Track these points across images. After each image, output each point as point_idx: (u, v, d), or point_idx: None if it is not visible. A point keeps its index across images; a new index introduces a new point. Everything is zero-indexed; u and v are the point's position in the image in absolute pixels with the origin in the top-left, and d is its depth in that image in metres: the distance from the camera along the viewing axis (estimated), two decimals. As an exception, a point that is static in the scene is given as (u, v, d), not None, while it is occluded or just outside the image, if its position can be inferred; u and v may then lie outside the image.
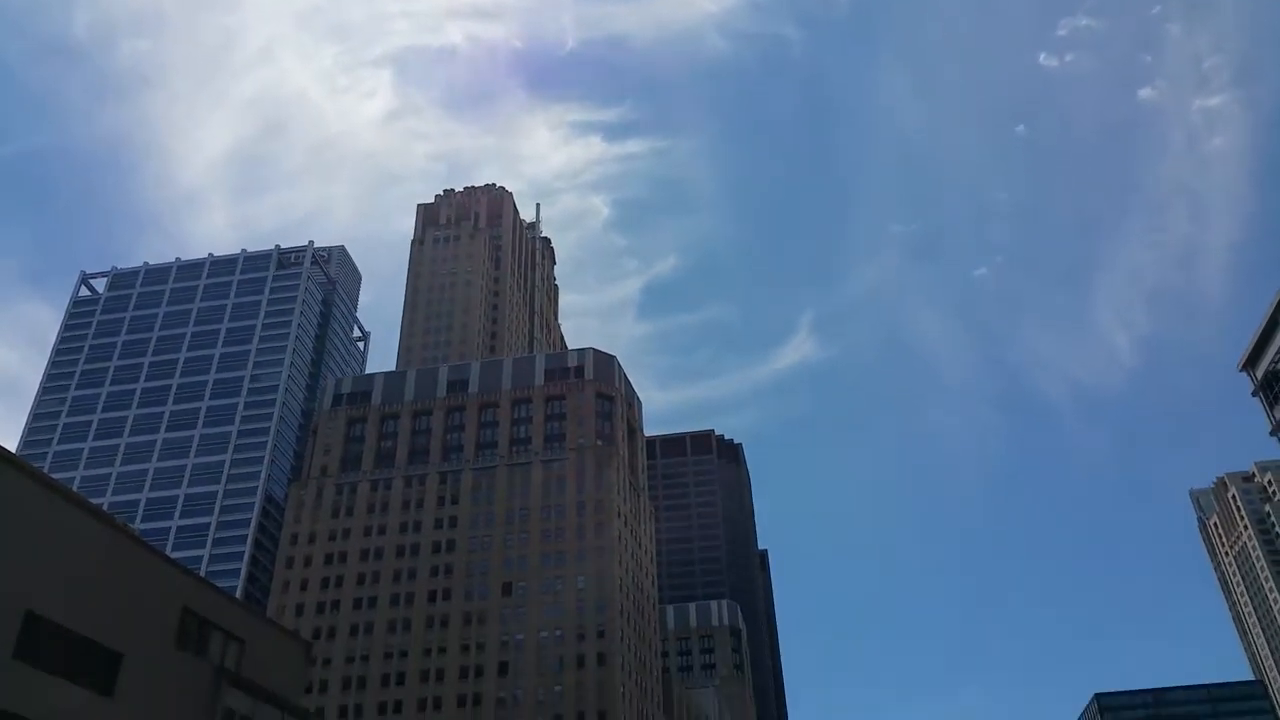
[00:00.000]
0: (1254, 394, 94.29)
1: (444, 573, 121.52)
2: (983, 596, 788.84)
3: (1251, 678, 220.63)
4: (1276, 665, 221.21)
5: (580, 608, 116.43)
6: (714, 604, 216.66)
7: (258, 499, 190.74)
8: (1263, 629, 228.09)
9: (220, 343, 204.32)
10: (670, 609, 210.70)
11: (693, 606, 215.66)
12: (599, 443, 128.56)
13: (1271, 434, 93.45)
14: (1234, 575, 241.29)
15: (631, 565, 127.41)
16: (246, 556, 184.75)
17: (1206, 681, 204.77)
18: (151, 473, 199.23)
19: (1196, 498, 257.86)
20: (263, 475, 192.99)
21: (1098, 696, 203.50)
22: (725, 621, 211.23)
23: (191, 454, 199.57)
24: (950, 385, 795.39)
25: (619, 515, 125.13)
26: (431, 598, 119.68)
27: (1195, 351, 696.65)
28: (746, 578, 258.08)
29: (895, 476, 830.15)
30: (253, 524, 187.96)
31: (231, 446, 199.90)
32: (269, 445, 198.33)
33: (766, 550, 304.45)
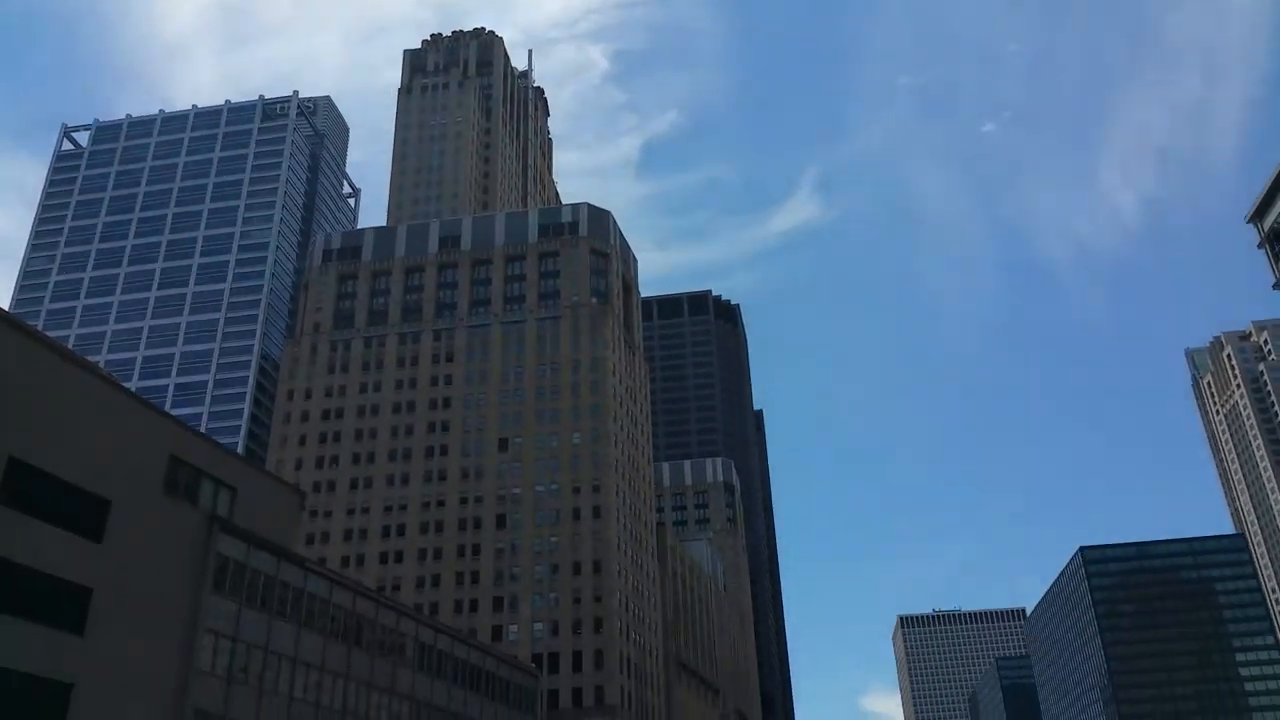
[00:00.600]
0: (1259, 246, 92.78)
1: (441, 429, 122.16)
2: (974, 455, 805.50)
3: (1234, 532, 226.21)
4: (1259, 520, 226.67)
5: (575, 463, 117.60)
6: (709, 461, 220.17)
7: (254, 357, 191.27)
8: (1247, 485, 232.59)
9: (208, 198, 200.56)
10: (666, 465, 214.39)
11: (688, 463, 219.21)
12: (594, 300, 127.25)
13: (1275, 287, 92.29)
14: (1223, 433, 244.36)
15: (626, 422, 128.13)
16: (246, 414, 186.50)
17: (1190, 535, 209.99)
18: (146, 330, 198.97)
19: (1192, 356, 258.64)
20: (258, 333, 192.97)
21: (1082, 549, 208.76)
22: (719, 478, 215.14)
23: (185, 312, 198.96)
24: (952, 246, 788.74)
25: (614, 373, 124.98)
26: (429, 453, 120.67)
27: (1201, 211, 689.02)
28: (741, 437, 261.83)
29: (893, 338, 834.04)
30: (250, 381, 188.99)
31: (225, 304, 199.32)
32: (262, 303, 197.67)
33: (762, 410, 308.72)
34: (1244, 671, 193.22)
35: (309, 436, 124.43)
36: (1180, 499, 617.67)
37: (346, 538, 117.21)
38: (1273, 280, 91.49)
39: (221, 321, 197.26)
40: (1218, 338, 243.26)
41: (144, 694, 42.20)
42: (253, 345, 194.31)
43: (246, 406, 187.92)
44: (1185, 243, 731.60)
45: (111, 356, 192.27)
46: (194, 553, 47.03)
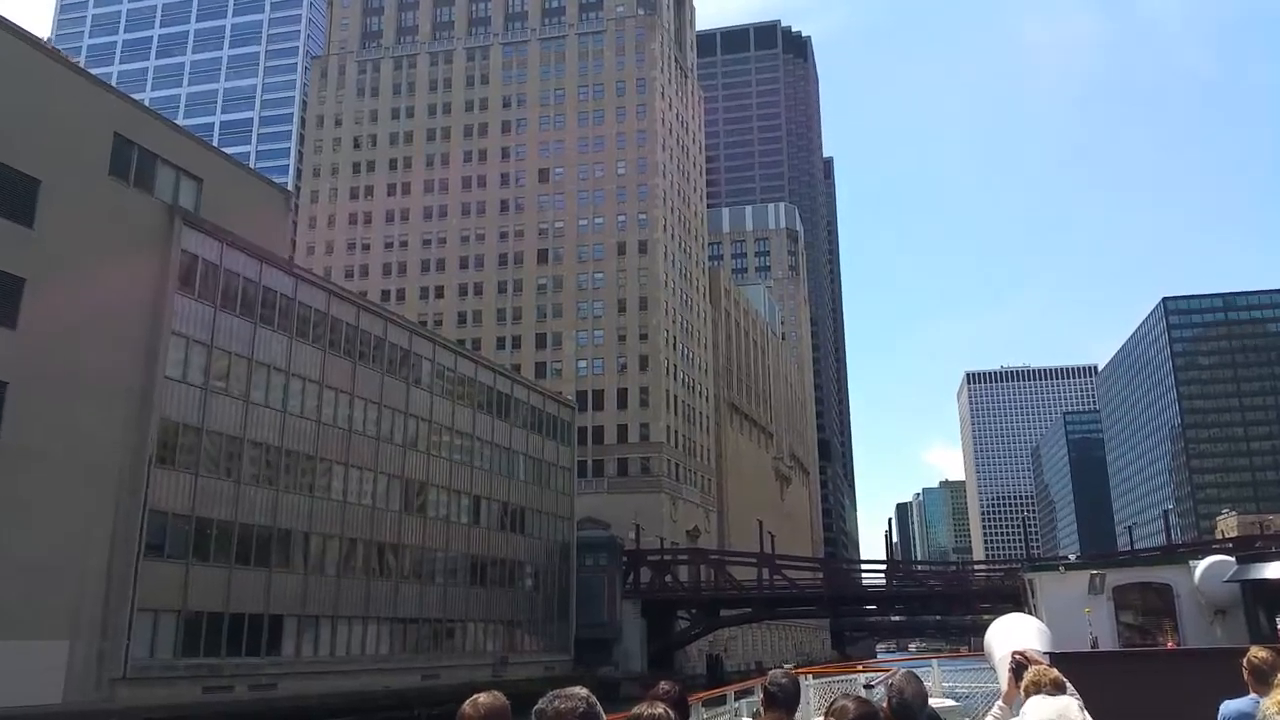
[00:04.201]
0: None
1: (478, 159, 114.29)
2: (1061, 202, 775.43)
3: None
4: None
5: (621, 195, 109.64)
6: (771, 206, 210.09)
7: (296, 92, 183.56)
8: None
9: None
10: (726, 210, 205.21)
11: (749, 208, 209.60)
12: (641, 11, 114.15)
13: None
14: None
15: (677, 151, 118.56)
16: (293, 152, 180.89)
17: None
18: (188, 66, 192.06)
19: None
20: (299, 67, 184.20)
21: (1165, 300, 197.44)
22: (782, 224, 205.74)
23: (225, 45, 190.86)
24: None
25: (663, 96, 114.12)
26: (466, 185, 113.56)
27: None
28: (808, 183, 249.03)
29: (980, 87, 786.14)
30: (295, 118, 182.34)
31: (264, 37, 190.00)
32: (302, 34, 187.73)
33: (832, 157, 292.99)
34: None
35: (341, 167, 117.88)
36: (1276, 255, 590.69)
37: (386, 272, 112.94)
38: None
39: (262, 55, 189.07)
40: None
41: (101, 398, 37.84)
42: (295, 80, 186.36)
43: (293, 145, 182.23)
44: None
45: (155, 94, 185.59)
46: (154, 247, 41.38)
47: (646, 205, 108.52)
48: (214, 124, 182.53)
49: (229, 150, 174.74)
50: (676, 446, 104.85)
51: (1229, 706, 5.98)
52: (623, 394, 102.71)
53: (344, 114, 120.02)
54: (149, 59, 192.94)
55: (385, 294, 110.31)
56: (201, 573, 40.53)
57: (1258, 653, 6.06)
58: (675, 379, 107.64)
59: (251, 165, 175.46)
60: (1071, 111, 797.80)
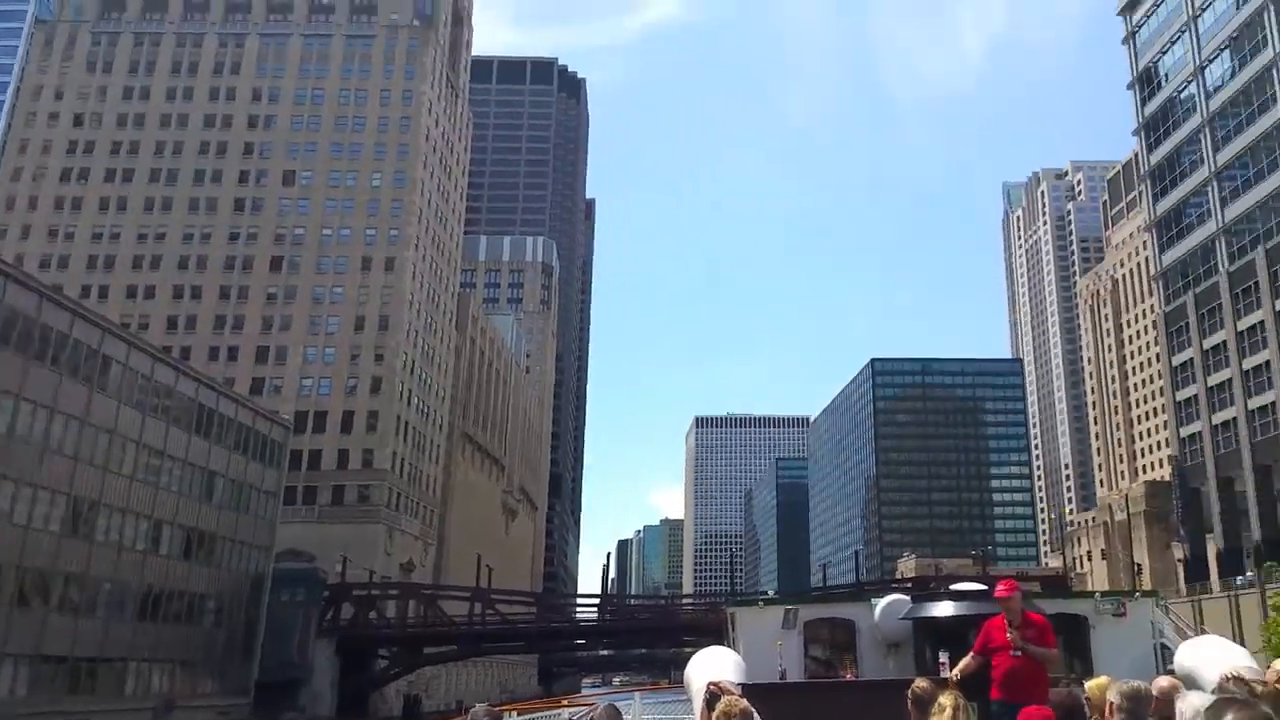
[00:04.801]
0: (1129, 87, 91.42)
1: (215, 152, 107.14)
2: (792, 272, 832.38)
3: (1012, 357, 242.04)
4: (1033, 350, 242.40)
5: (372, 207, 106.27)
6: (530, 239, 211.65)
7: (17, 60, 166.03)
8: (1033, 319, 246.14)
9: None
10: (483, 239, 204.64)
11: (507, 239, 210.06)
12: (416, 23, 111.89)
13: (1134, 133, 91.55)
14: (1020, 267, 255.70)
15: (438, 171, 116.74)
16: (5, 107, 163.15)
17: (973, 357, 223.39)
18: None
19: (1008, 190, 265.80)
20: (24, 32, 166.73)
21: (873, 361, 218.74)
22: (539, 258, 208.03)
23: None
24: (807, 65, 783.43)
25: (430, 112, 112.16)
26: (198, 178, 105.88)
27: (1048, 57, 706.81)
28: (568, 220, 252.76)
29: (734, 152, 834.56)
30: (10, 87, 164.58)
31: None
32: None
33: (594, 199, 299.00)
34: (995, 484, 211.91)
35: (55, 144, 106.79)
36: (973, 332, 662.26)
37: (90, 265, 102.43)
38: (1133, 125, 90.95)
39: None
40: (1035, 174, 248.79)
41: None
42: (16, 47, 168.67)
43: (3, 117, 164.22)
44: (1028, 88, 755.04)
45: None
46: None
47: (400, 222, 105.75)
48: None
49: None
50: (401, 475, 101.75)
51: None
52: (349, 417, 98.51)
53: (67, 87, 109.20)
54: None
55: (86, 289, 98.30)
56: None
57: (920, 684, 6.70)
58: (409, 405, 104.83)
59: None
60: (810, 188, 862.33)
